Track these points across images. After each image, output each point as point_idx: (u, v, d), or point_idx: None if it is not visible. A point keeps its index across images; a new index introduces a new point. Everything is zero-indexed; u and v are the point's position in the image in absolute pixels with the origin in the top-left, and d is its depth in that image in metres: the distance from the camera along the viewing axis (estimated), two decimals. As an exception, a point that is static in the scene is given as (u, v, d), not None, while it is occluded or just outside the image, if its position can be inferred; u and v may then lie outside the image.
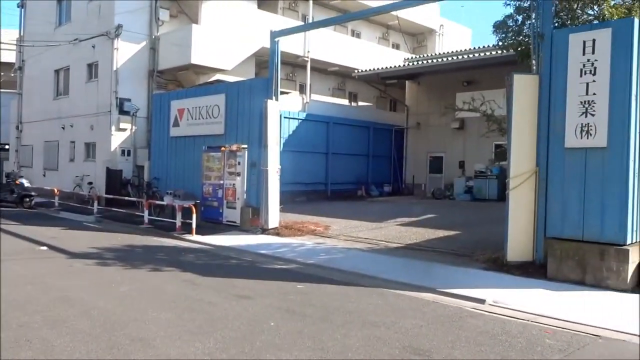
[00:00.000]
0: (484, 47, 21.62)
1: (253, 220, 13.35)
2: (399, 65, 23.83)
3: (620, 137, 7.53)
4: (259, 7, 22.89)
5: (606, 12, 8.48)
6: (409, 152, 24.44)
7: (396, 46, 29.47)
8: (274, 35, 13.61)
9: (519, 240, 8.67)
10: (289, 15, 24.44)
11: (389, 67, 23.46)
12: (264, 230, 12.87)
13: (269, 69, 13.72)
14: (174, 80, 21.19)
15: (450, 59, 21.98)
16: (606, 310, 6.54)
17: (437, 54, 26.09)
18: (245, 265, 9.67)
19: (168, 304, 6.68)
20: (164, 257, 10.24)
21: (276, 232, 12.72)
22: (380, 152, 24.27)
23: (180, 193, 15.19)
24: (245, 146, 13.94)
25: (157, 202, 15.45)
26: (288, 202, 15.73)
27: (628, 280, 7.40)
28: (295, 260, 9.82)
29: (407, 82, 24.67)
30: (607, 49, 7.65)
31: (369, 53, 25.92)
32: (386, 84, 25.96)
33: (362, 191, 22.87)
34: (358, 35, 27.98)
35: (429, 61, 23.02)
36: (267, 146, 12.95)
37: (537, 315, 6.36)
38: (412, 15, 27.19)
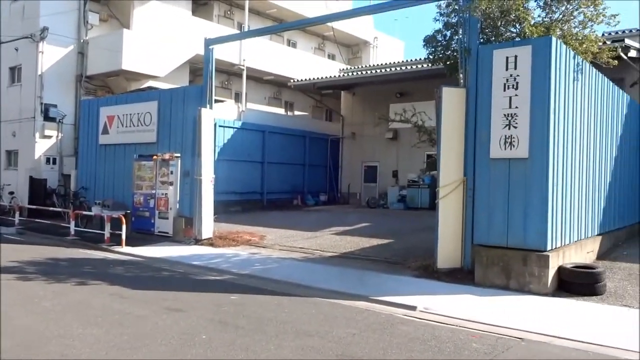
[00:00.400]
0: (416, 59, 22.28)
1: (186, 231, 13.05)
2: (335, 76, 24.15)
3: (540, 148, 7.96)
4: (194, 13, 22.58)
5: (527, 31, 8.95)
6: (345, 162, 24.76)
7: (332, 57, 29.85)
8: (209, 42, 13.44)
9: (448, 247, 8.96)
10: (224, 23, 24.25)
11: (324, 77, 23.72)
12: (198, 241, 12.61)
13: (203, 77, 13.53)
14: (103, 86, 20.45)
15: (383, 70, 22.50)
16: (529, 314, 6.86)
17: (372, 65, 26.66)
18: (178, 277, 9.43)
19: (94, 319, 6.39)
20: (91, 270, 9.81)
21: (210, 243, 12.49)
22: (316, 162, 24.43)
23: (110, 203, 14.62)
24: (179, 155, 13.64)
25: (85, 212, 14.80)
26: (223, 212, 15.50)
27: (549, 284, 7.79)
28: (229, 271, 9.68)
29: (342, 92, 25.04)
30: (527, 64, 8.08)
31: (305, 63, 26.11)
32: (322, 93, 26.23)
33: (298, 200, 22.91)
34: (294, 45, 28.14)
35: (364, 72, 23.48)
36: (201, 155, 12.73)
37: (465, 320, 6.58)
38: (347, 27, 27.66)
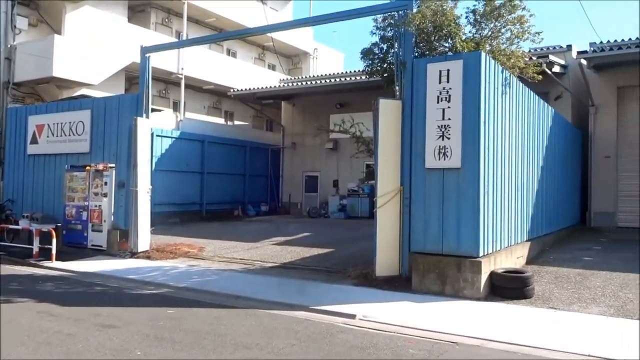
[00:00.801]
0: (355, 71, 22.66)
1: (121, 244, 12.63)
2: (275, 86, 24.17)
3: (471, 158, 8.28)
4: (130, 20, 22.03)
5: (458, 46, 9.32)
6: (286, 172, 24.76)
7: (272, 67, 29.90)
8: (145, 50, 13.16)
9: (387, 255, 9.12)
10: (162, 30, 23.80)
11: (264, 87, 23.70)
12: (134, 254, 12.23)
13: (140, 85, 13.21)
14: (33, 94, 19.53)
15: (323, 81, 22.76)
16: (463, 318, 7.09)
17: (312, 76, 26.90)
18: (112, 292, 9.09)
19: (21, 339, 6.06)
20: (17, 287, 9.30)
21: (147, 256, 12.14)
22: (257, 172, 24.30)
23: (39, 216, 13.95)
24: (113, 165, 13.21)
25: (11, 226, 14.03)
26: (160, 223, 15.14)
27: (481, 289, 8.09)
28: (166, 284, 9.43)
29: (282, 102, 25.09)
30: (459, 78, 8.41)
31: (245, 72, 26.02)
32: (262, 103, 26.16)
33: (238, 211, 22.67)
34: (234, 55, 27.99)
35: (304, 83, 23.63)
36: (137, 165, 12.39)
37: (403, 326, 6.72)
38: (287, 37, 27.81)
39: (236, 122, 28.11)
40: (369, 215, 19.36)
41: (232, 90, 24.27)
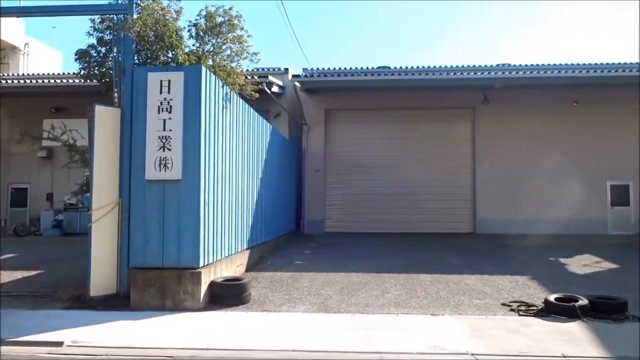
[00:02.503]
0: (74, 73, 20.74)
1: None
2: (-28, 82, 20.54)
3: (192, 170, 8.34)
4: None
5: (180, 58, 9.36)
6: (-15, 184, 21.19)
7: (-31, 60, 25.38)
8: None
9: (103, 273, 8.55)
10: None
11: (-43, 82, 19.94)
12: None
13: None
14: None
15: (35, 81, 20.28)
16: (181, 331, 7.03)
17: (21, 74, 23.70)
18: None
19: None
20: None
21: None
22: (-56, 183, 20.18)
23: None
24: None
25: None
26: None
27: (201, 299, 8.18)
28: None
29: (-18, 102, 21.46)
30: (180, 90, 8.40)
31: None
32: (-47, 102, 21.96)
33: None
34: None
35: (10, 82, 20.67)
36: None
37: (117, 347, 6.34)
38: (-11, 27, 23.98)
39: None
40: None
41: None
